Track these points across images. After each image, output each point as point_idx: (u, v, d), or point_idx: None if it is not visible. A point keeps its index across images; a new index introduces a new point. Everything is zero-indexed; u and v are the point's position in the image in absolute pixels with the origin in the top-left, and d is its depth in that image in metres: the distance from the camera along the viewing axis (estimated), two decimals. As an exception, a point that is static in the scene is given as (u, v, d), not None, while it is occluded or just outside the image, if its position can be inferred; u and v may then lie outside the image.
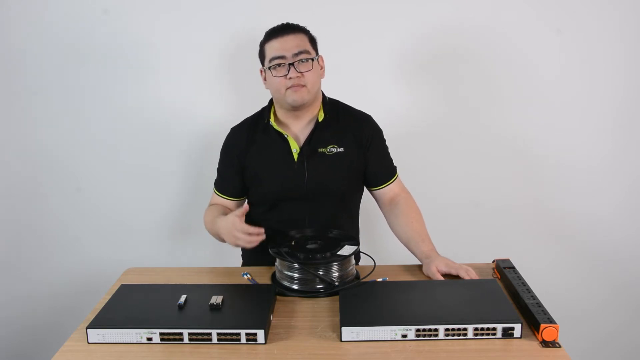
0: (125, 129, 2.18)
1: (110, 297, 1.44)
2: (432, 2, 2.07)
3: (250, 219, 1.84)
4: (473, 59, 2.12)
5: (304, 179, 1.68)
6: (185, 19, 2.09)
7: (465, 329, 1.25)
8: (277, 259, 1.54)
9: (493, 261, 1.65)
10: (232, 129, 1.80)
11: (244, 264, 1.89)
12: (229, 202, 1.79)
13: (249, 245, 1.51)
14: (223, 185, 1.79)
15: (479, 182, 2.22)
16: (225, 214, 1.66)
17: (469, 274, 1.51)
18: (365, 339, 1.26)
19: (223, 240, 1.63)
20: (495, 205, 2.23)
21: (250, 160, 1.73)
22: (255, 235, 1.50)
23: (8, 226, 2.27)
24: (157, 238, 2.29)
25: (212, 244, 2.26)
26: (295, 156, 1.69)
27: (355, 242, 1.57)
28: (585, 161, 2.20)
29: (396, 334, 1.26)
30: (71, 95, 2.16)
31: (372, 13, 2.07)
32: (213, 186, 1.82)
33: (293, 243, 1.58)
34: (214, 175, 1.83)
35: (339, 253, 1.50)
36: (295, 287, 1.50)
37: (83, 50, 2.11)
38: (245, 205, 1.57)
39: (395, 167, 1.81)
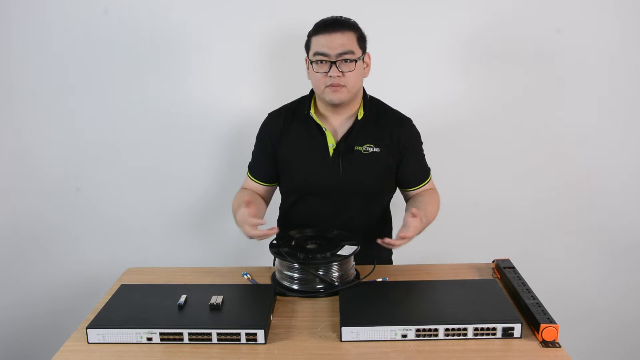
0: (125, 129, 2.18)
1: (110, 297, 1.44)
2: (431, 2, 2.07)
3: (280, 210, 1.84)
4: (472, 59, 2.12)
5: (337, 175, 1.67)
6: (184, 19, 2.09)
7: (465, 329, 1.25)
8: (277, 259, 1.54)
9: (493, 261, 1.65)
10: (269, 114, 1.78)
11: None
12: (259, 187, 1.78)
13: (259, 239, 1.50)
14: (255, 168, 1.78)
15: (479, 182, 2.22)
16: (253, 199, 1.67)
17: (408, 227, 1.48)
18: (365, 339, 1.26)
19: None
20: (495, 205, 2.24)
21: (284, 147, 1.72)
22: (264, 230, 1.49)
23: (8, 226, 2.27)
24: (157, 238, 2.29)
25: (212, 244, 2.28)
26: (331, 151, 1.68)
27: (356, 242, 1.57)
28: (584, 160, 2.20)
29: (396, 334, 1.26)
30: (71, 95, 2.15)
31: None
32: (247, 169, 1.81)
33: (293, 243, 1.58)
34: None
35: (339, 253, 1.50)
36: (295, 287, 1.50)
37: (82, 50, 2.11)
38: (248, 199, 1.54)
39: (429, 169, 1.79)
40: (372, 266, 1.59)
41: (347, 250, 1.52)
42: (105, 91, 2.15)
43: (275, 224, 1.87)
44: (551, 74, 2.13)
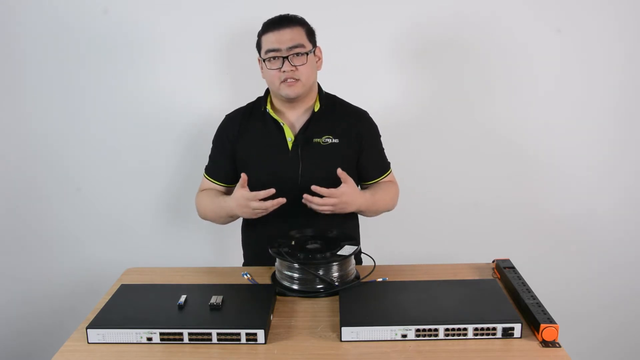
0: (125, 129, 2.19)
1: (110, 297, 1.44)
2: (433, 1, 2.07)
3: None
4: (473, 60, 2.13)
5: (298, 168, 1.68)
6: (184, 16, 2.09)
7: (465, 329, 1.25)
8: (277, 259, 1.54)
9: (493, 261, 1.65)
10: (226, 115, 1.81)
11: (245, 264, 1.89)
12: (219, 188, 1.80)
13: (267, 211, 1.54)
14: (214, 170, 1.80)
15: (479, 182, 2.22)
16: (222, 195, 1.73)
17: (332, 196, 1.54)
18: (365, 339, 1.26)
19: (228, 221, 1.71)
20: (495, 205, 2.24)
21: (242, 146, 1.74)
22: (270, 200, 1.52)
23: (8, 226, 2.27)
24: (157, 238, 2.29)
25: (212, 243, 2.28)
26: (290, 145, 1.70)
27: (355, 242, 1.57)
28: (584, 161, 2.20)
29: (396, 334, 1.26)
30: (71, 95, 2.16)
31: (368, 10, 2.07)
32: (203, 171, 1.82)
33: (293, 243, 1.57)
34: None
35: (339, 253, 1.50)
36: (295, 287, 1.49)
37: (82, 50, 2.11)
38: (244, 176, 1.56)
39: (389, 163, 1.82)
40: (372, 266, 1.59)
41: (347, 250, 1.52)
42: (105, 91, 2.15)
43: (239, 227, 1.88)
44: (552, 75, 2.13)
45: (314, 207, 1.56)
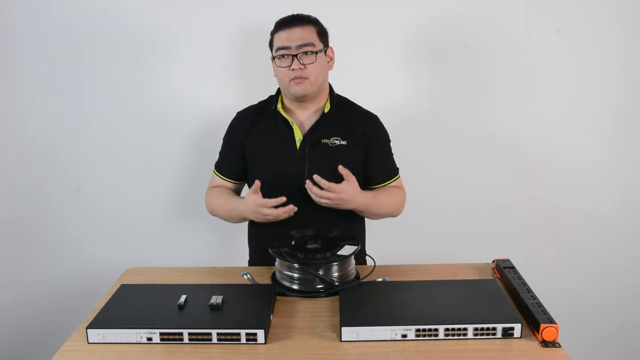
0: (125, 129, 2.19)
1: (110, 297, 1.44)
2: (433, 1, 2.07)
3: None
4: (473, 60, 2.13)
5: (304, 167, 1.68)
6: (184, 16, 2.09)
7: (465, 329, 1.25)
8: (277, 259, 1.54)
9: (493, 261, 1.65)
10: (237, 113, 1.82)
11: (250, 262, 1.88)
12: (229, 184, 1.81)
13: (278, 218, 1.56)
14: (224, 167, 1.81)
15: (479, 182, 2.22)
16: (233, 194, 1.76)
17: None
18: (365, 339, 1.26)
19: (239, 221, 1.73)
20: (495, 205, 2.24)
21: (252, 143, 1.74)
22: (282, 207, 1.54)
23: (8, 226, 2.27)
24: (157, 238, 2.29)
25: (213, 243, 2.28)
26: (298, 144, 1.70)
27: (355, 242, 1.57)
28: (585, 160, 2.20)
29: (396, 334, 1.26)
30: (71, 95, 2.16)
31: (370, 11, 2.07)
32: (213, 168, 1.83)
33: (293, 243, 1.57)
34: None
35: (339, 253, 1.50)
36: (295, 287, 1.49)
37: (82, 50, 2.11)
38: (257, 182, 1.58)
39: (397, 168, 1.81)
40: (372, 266, 1.59)
41: (347, 250, 1.52)
42: (105, 91, 2.16)
43: (242, 226, 1.87)
44: (552, 74, 2.13)
45: (312, 196, 1.57)
